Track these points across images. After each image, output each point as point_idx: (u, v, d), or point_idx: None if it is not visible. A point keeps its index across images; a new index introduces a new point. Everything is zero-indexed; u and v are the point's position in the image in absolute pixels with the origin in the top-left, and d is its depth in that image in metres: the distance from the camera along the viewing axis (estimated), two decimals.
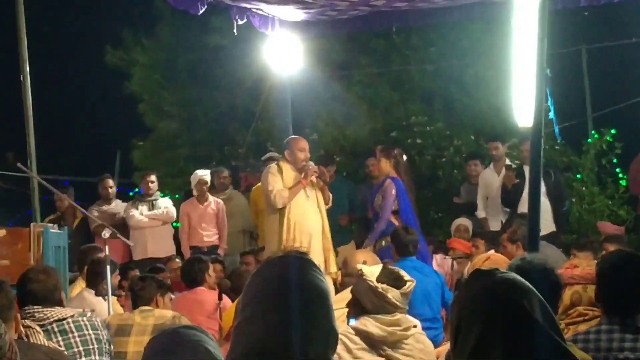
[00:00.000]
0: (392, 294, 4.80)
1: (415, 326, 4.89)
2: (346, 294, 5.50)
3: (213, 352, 2.60)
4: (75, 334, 5.15)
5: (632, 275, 4.16)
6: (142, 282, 6.66)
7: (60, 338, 5.09)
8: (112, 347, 5.52)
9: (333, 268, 8.97)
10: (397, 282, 4.84)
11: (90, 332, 5.23)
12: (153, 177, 11.80)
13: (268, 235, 9.35)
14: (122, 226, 11.20)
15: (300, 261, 2.54)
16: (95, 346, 5.22)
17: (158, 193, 11.81)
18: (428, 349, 4.86)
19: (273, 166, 9.35)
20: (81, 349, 5.13)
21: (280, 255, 2.60)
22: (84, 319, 5.26)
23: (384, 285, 4.82)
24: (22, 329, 4.50)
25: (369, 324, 4.76)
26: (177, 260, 10.48)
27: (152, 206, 11.55)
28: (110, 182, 12.12)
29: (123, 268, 9.09)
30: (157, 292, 6.62)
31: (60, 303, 5.19)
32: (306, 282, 2.48)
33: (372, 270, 4.95)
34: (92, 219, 10.86)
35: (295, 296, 2.43)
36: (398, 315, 4.79)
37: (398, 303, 4.80)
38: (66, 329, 5.13)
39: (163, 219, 11.52)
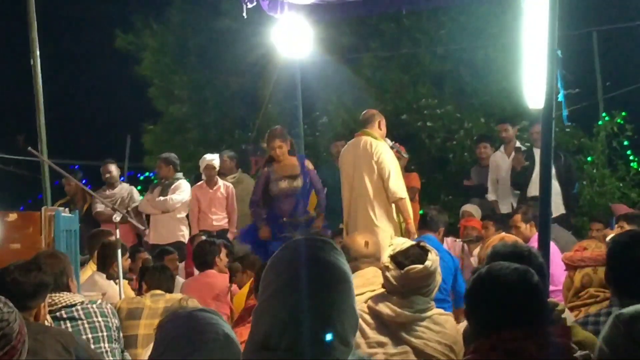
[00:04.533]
0: (392, 273, 4.73)
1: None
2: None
3: (231, 336, 2.61)
4: (84, 320, 5.14)
5: None
6: (158, 273, 6.71)
7: (69, 324, 5.08)
8: (121, 334, 5.52)
9: None
10: (407, 262, 4.72)
11: (100, 319, 5.22)
12: (162, 163, 11.74)
13: (379, 215, 8.60)
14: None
15: (321, 243, 2.56)
16: (105, 333, 5.21)
17: (177, 176, 11.69)
18: (448, 331, 4.73)
19: (385, 143, 8.84)
20: (90, 335, 5.12)
21: (302, 238, 2.63)
22: (94, 305, 5.25)
23: (388, 263, 4.77)
24: (44, 317, 4.50)
25: (381, 303, 4.72)
26: (203, 237, 10.48)
27: (162, 191, 11.53)
28: (110, 167, 12.00)
29: (132, 251, 9.12)
30: (170, 281, 6.69)
31: (67, 288, 5.17)
32: (326, 263, 2.50)
33: (398, 244, 4.88)
34: (99, 203, 10.88)
35: (315, 276, 2.46)
36: (412, 297, 4.72)
37: (395, 283, 4.70)
38: (75, 316, 5.12)
39: (160, 208, 11.42)
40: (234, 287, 7.93)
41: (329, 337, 2.43)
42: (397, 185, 8.60)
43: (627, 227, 7.86)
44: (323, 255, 2.52)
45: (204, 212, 11.55)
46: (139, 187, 13.60)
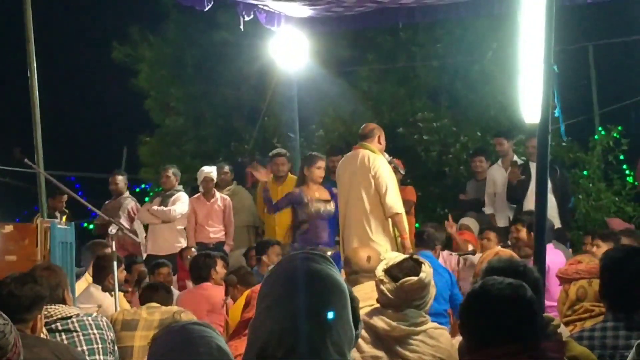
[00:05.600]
0: (387, 286, 4.74)
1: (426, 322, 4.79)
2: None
3: (224, 349, 2.62)
4: (80, 332, 5.13)
5: (635, 270, 4.15)
6: (152, 290, 6.75)
7: (64, 337, 5.06)
8: (116, 347, 5.51)
9: None
10: (401, 274, 4.73)
11: (95, 331, 5.20)
12: (169, 172, 11.81)
13: (375, 230, 8.65)
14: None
15: (316, 256, 2.59)
16: (100, 346, 5.19)
17: (178, 188, 11.78)
18: (443, 345, 4.74)
19: (383, 158, 8.87)
20: (85, 348, 5.11)
21: (299, 252, 2.66)
22: (89, 318, 5.24)
23: (382, 276, 4.77)
24: (40, 329, 4.51)
25: (375, 317, 4.73)
26: (193, 249, 10.47)
27: (162, 201, 11.58)
28: (116, 178, 12.11)
29: (128, 263, 9.11)
30: (164, 298, 6.71)
31: (63, 301, 5.17)
32: (322, 274, 2.53)
33: (392, 258, 4.90)
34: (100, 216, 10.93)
35: (311, 287, 2.49)
36: (406, 310, 4.72)
37: (390, 296, 4.72)
38: (70, 328, 5.11)
39: (161, 217, 11.48)
40: (229, 300, 7.90)
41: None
42: (394, 200, 8.60)
43: (602, 244, 7.88)
44: (318, 267, 2.55)
45: (201, 225, 11.55)
46: None
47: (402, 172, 9.72)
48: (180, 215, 11.49)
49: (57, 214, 11.43)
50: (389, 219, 8.64)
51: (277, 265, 2.62)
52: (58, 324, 5.07)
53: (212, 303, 7.72)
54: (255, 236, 12.11)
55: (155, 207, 11.46)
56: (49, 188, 9.01)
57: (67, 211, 11.82)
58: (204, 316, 7.25)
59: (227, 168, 12.32)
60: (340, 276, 2.59)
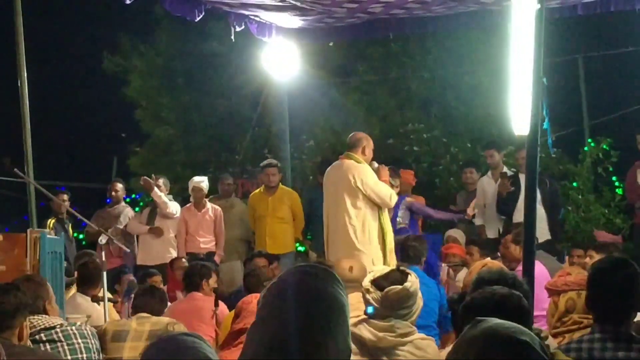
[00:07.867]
0: (372, 295, 4.75)
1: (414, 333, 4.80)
2: None
3: (212, 359, 2.62)
4: (64, 342, 5.10)
5: (622, 281, 4.15)
6: (147, 296, 6.73)
7: (48, 347, 5.04)
8: (101, 356, 5.48)
9: None
10: (387, 284, 4.75)
11: (79, 340, 5.18)
12: (159, 182, 11.81)
13: (361, 239, 8.67)
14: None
15: (320, 271, 2.58)
16: (84, 355, 5.16)
17: (168, 197, 11.85)
18: (430, 356, 4.73)
19: (367, 165, 8.88)
20: (69, 357, 5.08)
21: (306, 264, 2.65)
22: (73, 327, 5.21)
23: (369, 287, 4.79)
24: (26, 337, 4.51)
25: (362, 327, 4.74)
26: (184, 260, 10.47)
27: (151, 211, 11.63)
28: (116, 185, 12.24)
29: (116, 273, 9.11)
30: (159, 304, 6.69)
31: (44, 312, 5.16)
32: (317, 292, 2.51)
33: (379, 270, 4.92)
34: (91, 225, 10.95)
35: (302, 304, 2.47)
36: (393, 321, 4.73)
37: (376, 305, 4.72)
38: (54, 338, 5.08)
39: (157, 201, 11.54)
40: (220, 310, 7.89)
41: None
42: (384, 190, 8.70)
43: (596, 256, 7.89)
44: (313, 282, 2.53)
45: (192, 235, 11.54)
46: None
47: (396, 184, 9.72)
48: (173, 211, 11.53)
49: (65, 218, 11.56)
50: (376, 229, 8.69)
51: (278, 278, 2.62)
52: (42, 334, 5.05)
53: (202, 314, 7.71)
54: (248, 249, 12.10)
55: (158, 193, 11.48)
56: (38, 198, 9.00)
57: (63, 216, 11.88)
58: (193, 326, 7.23)
59: (230, 179, 12.37)
60: (340, 292, 2.56)
